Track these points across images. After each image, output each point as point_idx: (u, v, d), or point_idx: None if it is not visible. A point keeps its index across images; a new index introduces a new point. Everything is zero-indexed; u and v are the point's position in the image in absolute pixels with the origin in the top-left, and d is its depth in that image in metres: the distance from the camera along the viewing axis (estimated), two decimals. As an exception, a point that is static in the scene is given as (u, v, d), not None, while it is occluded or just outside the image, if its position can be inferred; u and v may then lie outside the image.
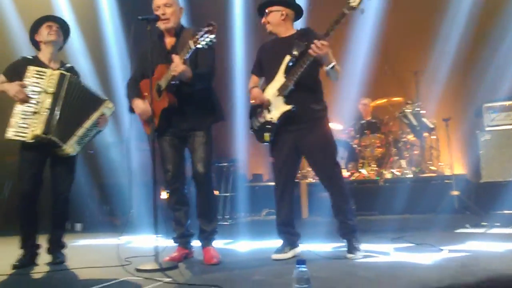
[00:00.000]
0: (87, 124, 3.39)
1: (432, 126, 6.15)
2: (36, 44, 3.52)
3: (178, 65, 2.92)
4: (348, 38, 7.04)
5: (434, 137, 6.38)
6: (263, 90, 3.27)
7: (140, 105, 3.19)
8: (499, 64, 6.51)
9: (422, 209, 5.24)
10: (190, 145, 3.21)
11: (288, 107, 3.10)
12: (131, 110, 3.30)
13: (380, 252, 3.19)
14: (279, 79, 3.15)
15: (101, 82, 6.21)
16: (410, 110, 6.17)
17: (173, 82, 3.05)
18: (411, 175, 6.12)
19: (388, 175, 6.25)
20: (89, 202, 6.14)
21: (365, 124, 6.75)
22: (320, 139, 3.16)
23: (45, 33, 3.43)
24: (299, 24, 3.42)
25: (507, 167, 5.08)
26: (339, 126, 6.98)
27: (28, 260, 3.29)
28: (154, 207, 3.00)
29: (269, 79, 3.24)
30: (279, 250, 3.20)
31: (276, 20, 3.24)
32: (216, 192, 5.83)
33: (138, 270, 2.85)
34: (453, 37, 6.83)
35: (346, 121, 7.05)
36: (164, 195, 5.56)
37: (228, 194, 6.16)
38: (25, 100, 3.24)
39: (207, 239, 3.24)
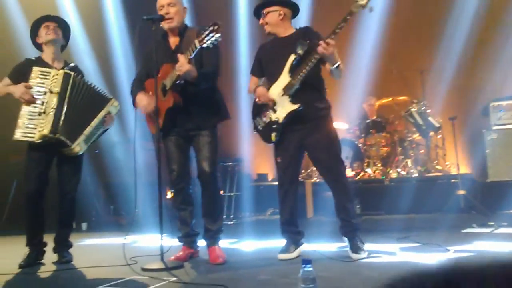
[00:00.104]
0: (94, 122, 3.39)
1: (438, 125, 6.12)
2: (39, 47, 3.54)
3: (183, 64, 2.92)
4: (353, 37, 7.02)
5: (440, 136, 6.35)
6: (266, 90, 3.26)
7: (144, 97, 3.18)
8: (505, 62, 6.47)
9: (428, 209, 5.21)
10: (195, 145, 3.21)
11: (295, 106, 3.08)
12: (135, 105, 3.28)
13: (385, 252, 3.18)
14: (284, 78, 3.14)
15: (106, 82, 6.23)
16: (416, 109, 6.15)
17: (178, 82, 3.05)
18: (417, 175, 6.10)
19: (393, 175, 6.23)
20: (95, 201, 6.16)
21: (371, 123, 6.73)
22: (325, 137, 3.16)
23: (44, 34, 3.45)
24: (301, 23, 3.42)
25: (513, 166, 5.05)
26: (344, 125, 6.97)
27: (34, 258, 3.31)
28: (159, 207, 3.00)
29: (272, 79, 3.22)
30: (285, 250, 3.20)
31: (275, 20, 3.23)
32: (221, 192, 5.83)
33: (144, 270, 2.85)
34: (459, 36, 6.79)
35: (352, 120, 7.03)
36: (169, 194, 5.57)
37: (233, 194, 6.16)
38: (31, 101, 3.26)
39: (212, 238, 3.24)
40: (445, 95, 6.81)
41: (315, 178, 6.24)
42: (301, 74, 3.05)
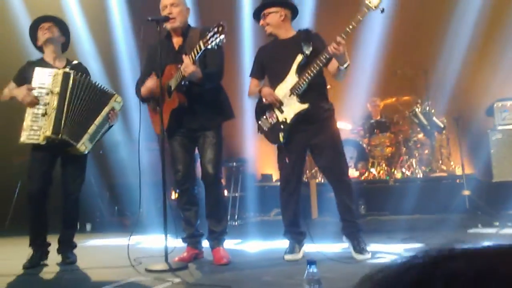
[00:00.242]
0: (98, 120, 3.38)
1: (442, 125, 6.10)
2: (41, 50, 3.56)
3: (188, 65, 2.92)
4: (357, 37, 6.99)
5: (444, 136, 6.33)
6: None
7: (150, 80, 3.14)
8: (509, 62, 6.44)
9: (432, 209, 5.19)
10: (200, 146, 3.21)
11: (305, 106, 3.08)
12: (142, 99, 3.26)
13: (390, 252, 3.17)
14: (291, 78, 3.13)
15: (111, 83, 6.22)
16: (420, 109, 6.13)
17: (183, 83, 3.06)
18: (422, 175, 6.08)
19: (398, 175, 6.21)
20: (99, 202, 6.17)
21: (375, 123, 6.71)
22: (330, 138, 3.16)
23: (40, 35, 3.47)
24: (305, 25, 3.42)
25: (519, 167, 5.03)
26: (348, 126, 6.95)
27: (38, 259, 3.30)
28: (164, 207, 3.00)
29: (277, 80, 3.21)
30: (291, 251, 3.19)
31: (276, 21, 3.23)
32: (225, 192, 5.83)
33: (148, 271, 2.86)
34: (463, 36, 6.76)
35: (356, 120, 7.01)
36: (173, 195, 5.57)
37: (237, 194, 6.16)
38: (34, 102, 3.25)
39: (216, 239, 3.24)
40: (449, 95, 6.78)
41: (319, 178, 6.22)
42: (309, 74, 3.04)
